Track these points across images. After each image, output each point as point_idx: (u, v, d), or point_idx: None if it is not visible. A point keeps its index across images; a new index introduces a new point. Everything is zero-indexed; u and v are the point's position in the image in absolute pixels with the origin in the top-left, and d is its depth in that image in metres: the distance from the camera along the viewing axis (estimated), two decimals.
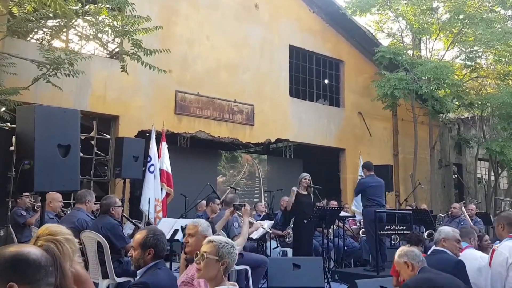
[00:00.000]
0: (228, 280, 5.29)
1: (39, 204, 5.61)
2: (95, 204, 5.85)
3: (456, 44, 13.31)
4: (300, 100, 11.49)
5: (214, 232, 4.60)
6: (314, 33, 11.85)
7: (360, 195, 7.69)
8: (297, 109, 11.18)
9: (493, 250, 4.02)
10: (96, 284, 4.73)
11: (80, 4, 6.56)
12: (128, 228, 6.01)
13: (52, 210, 5.89)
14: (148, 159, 7.81)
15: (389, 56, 11.47)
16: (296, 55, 11.56)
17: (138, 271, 3.02)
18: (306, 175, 7.18)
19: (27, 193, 6.16)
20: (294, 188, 6.98)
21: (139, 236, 3.06)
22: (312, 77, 11.99)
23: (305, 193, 7.11)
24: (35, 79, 6.63)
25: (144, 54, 7.01)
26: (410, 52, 12.98)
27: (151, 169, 7.77)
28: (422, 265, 3.31)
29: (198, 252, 2.56)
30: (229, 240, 2.68)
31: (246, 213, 5.09)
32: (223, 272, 2.50)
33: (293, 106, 11.11)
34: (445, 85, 11.51)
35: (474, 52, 13.04)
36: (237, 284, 2.58)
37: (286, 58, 11.17)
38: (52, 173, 4.09)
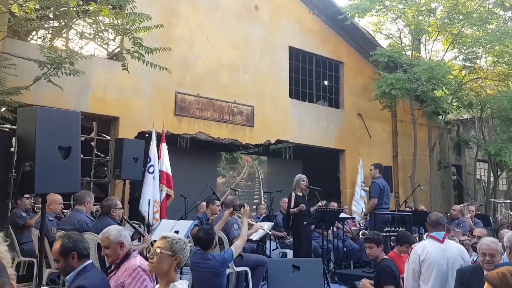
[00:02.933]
0: (228, 282, 5.30)
1: (39, 205, 5.63)
2: (94, 205, 5.87)
3: (456, 45, 13.33)
4: (300, 101, 11.50)
5: (213, 233, 4.62)
6: (314, 35, 11.86)
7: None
8: (297, 110, 11.19)
9: (411, 249, 4.26)
10: None
11: (81, 2, 6.56)
12: (128, 230, 6.00)
13: (52, 212, 5.90)
14: (148, 159, 7.82)
15: (384, 59, 11.48)
16: (296, 56, 11.57)
17: (67, 277, 3.01)
18: (304, 177, 7.19)
19: (27, 195, 6.16)
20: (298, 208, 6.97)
21: (55, 247, 3.06)
22: (312, 78, 12.00)
23: (301, 194, 7.12)
24: (36, 79, 6.65)
25: (145, 53, 7.03)
26: (409, 53, 12.99)
27: (151, 169, 7.77)
28: None
29: (152, 248, 2.72)
30: (182, 237, 2.82)
31: (246, 214, 5.10)
32: (176, 267, 2.68)
33: (293, 107, 11.12)
34: (441, 85, 11.54)
35: (472, 53, 13.04)
36: (187, 281, 2.75)
37: (286, 59, 11.18)
38: (52, 175, 4.09)
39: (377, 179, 7.71)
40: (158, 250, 2.66)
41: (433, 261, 4.01)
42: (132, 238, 5.45)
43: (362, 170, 11.69)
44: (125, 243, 3.39)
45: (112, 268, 3.38)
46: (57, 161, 4.14)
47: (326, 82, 12.55)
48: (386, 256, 4.73)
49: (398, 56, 11.89)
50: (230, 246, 5.64)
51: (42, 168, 4.00)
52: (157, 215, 7.58)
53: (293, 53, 11.42)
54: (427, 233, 4.54)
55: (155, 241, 5.22)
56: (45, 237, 4.40)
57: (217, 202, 6.95)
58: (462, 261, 4.06)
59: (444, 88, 11.90)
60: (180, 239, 2.75)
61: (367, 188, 9.13)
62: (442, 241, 4.12)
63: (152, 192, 7.64)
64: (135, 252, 3.42)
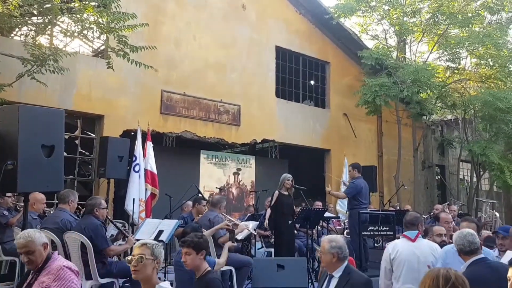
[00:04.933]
0: None
1: (22, 204, 5.56)
2: (78, 204, 5.82)
3: (441, 46, 13.48)
4: (286, 101, 11.54)
5: (200, 231, 4.63)
6: (300, 35, 11.91)
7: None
8: (283, 110, 11.23)
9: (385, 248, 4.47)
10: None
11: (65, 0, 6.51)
12: (112, 229, 5.98)
13: (35, 211, 5.83)
14: (134, 158, 7.77)
15: (370, 62, 11.59)
16: (283, 56, 11.61)
17: None
18: (289, 177, 7.22)
19: (9, 193, 6.08)
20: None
21: None
22: (298, 78, 12.05)
23: (286, 193, 7.15)
24: (20, 76, 6.57)
25: (130, 51, 6.99)
26: (394, 54, 13.12)
27: (136, 168, 7.73)
28: None
29: (133, 256, 2.89)
30: (157, 242, 3.05)
31: (229, 244, 5.29)
32: (157, 269, 2.91)
33: (279, 107, 11.16)
34: (426, 87, 11.67)
35: (455, 54, 13.20)
36: (168, 282, 2.96)
37: (273, 59, 11.21)
38: (35, 173, 4.06)
39: (356, 179, 7.77)
40: (142, 257, 2.85)
41: (403, 259, 4.16)
42: (116, 239, 5.43)
43: (347, 169, 11.74)
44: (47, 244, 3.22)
45: (31, 275, 3.17)
46: (40, 160, 4.10)
47: (312, 82, 12.62)
48: (210, 268, 3.57)
49: (385, 58, 12.00)
50: (215, 245, 5.67)
51: (24, 167, 3.96)
52: (143, 214, 7.55)
53: (279, 52, 11.45)
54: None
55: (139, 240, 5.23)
56: None
57: (204, 202, 6.94)
58: (434, 258, 4.18)
59: (428, 90, 12.03)
60: (157, 244, 2.97)
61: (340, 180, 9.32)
62: (413, 240, 4.26)
63: (137, 191, 7.61)
64: (55, 253, 3.25)
